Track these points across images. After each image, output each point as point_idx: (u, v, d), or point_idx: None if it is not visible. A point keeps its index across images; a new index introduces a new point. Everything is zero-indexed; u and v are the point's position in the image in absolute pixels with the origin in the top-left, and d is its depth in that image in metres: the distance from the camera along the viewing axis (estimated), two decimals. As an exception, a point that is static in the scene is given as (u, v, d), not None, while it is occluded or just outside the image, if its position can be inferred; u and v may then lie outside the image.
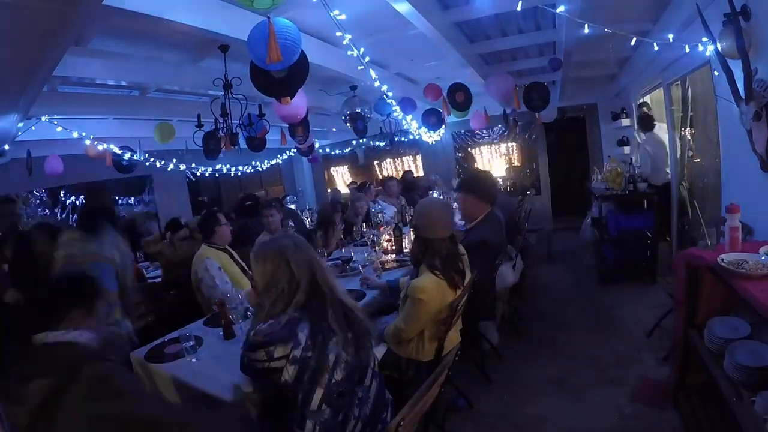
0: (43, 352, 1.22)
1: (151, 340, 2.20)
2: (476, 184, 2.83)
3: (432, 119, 5.65)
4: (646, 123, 4.87)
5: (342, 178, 10.15)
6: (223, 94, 3.26)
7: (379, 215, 4.33)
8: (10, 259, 3.01)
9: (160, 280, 3.98)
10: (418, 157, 9.08)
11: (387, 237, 3.70)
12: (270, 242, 1.56)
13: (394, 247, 3.52)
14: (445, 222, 2.04)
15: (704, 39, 2.54)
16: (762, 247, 1.77)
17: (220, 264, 2.84)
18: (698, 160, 4.20)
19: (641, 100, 5.63)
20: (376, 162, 9.68)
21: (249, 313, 2.36)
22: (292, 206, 7.28)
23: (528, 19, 3.67)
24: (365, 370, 1.47)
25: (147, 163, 5.39)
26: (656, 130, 4.88)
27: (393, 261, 3.27)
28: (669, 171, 4.70)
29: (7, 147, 4.02)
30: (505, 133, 7.69)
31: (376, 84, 3.61)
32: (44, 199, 6.06)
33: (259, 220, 4.47)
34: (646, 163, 4.72)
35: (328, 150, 9.52)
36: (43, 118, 3.96)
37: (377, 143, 8.20)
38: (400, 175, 9.12)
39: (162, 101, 4.65)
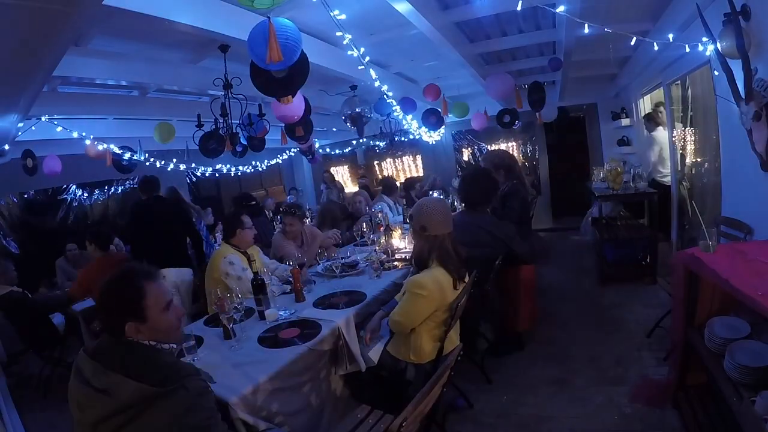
0: (138, 351, 1.23)
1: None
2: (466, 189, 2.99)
3: (432, 119, 5.65)
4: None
5: (342, 178, 10.16)
6: (223, 94, 3.26)
7: (380, 215, 4.33)
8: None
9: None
10: (418, 157, 9.08)
11: (387, 237, 3.70)
12: None
13: (394, 248, 3.52)
14: (446, 218, 2.09)
15: (704, 39, 2.53)
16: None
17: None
18: (698, 159, 4.20)
19: (642, 104, 5.64)
20: (376, 162, 9.69)
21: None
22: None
23: (528, 19, 3.67)
24: None
25: (147, 163, 5.38)
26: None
27: (392, 261, 3.27)
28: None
29: (7, 147, 4.02)
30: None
31: (376, 84, 3.61)
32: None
33: (263, 219, 4.46)
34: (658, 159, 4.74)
35: (328, 150, 9.52)
36: (43, 118, 3.96)
37: (377, 143, 8.20)
38: (400, 175, 9.15)
39: (162, 101, 4.65)
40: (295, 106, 3.21)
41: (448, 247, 2.05)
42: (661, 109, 5.04)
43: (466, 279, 2.15)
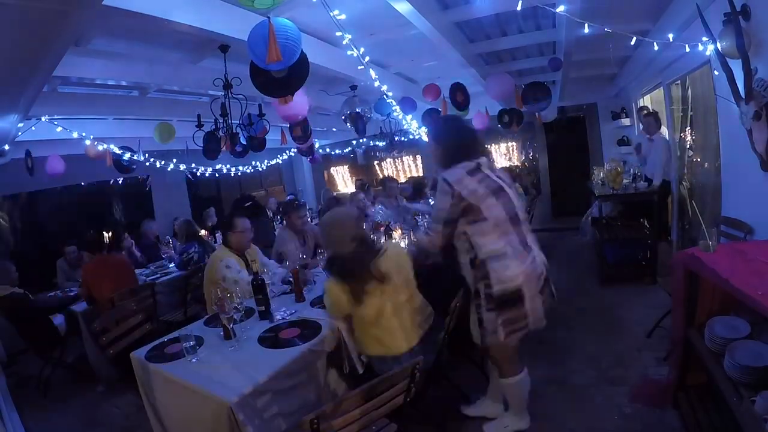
0: None
1: (151, 340, 2.20)
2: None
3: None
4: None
5: (342, 178, 10.17)
6: (223, 94, 3.26)
7: (380, 215, 4.33)
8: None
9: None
10: (418, 157, 9.09)
11: (387, 237, 3.70)
12: None
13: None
14: (339, 239, 2.05)
15: (704, 39, 2.54)
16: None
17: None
18: (698, 159, 4.20)
19: (641, 104, 5.63)
20: (376, 162, 9.69)
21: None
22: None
23: (528, 19, 3.67)
24: None
25: (147, 164, 5.39)
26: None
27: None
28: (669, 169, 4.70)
29: (7, 147, 4.02)
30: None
31: (376, 84, 3.61)
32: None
33: (263, 220, 4.45)
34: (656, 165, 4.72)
35: (328, 150, 9.53)
36: (43, 118, 3.96)
37: (377, 143, 8.21)
38: (400, 175, 9.15)
39: (162, 101, 4.65)
40: (297, 105, 3.21)
41: (347, 263, 2.01)
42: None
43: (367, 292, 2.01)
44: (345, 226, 2.08)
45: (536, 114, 6.10)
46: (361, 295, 1.98)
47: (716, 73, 2.73)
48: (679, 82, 4.28)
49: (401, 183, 7.22)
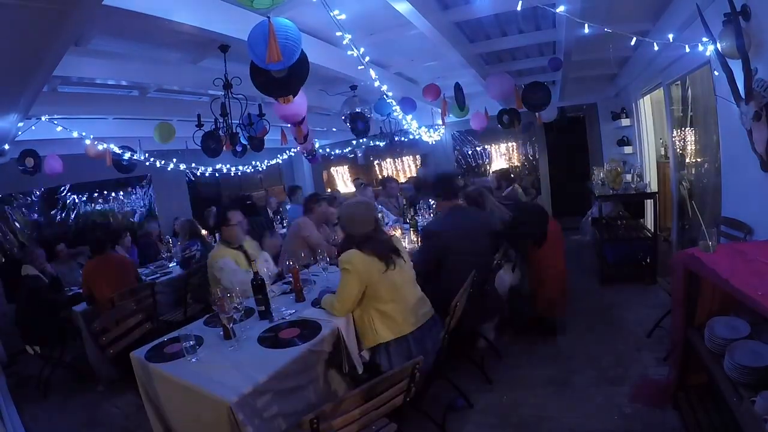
0: None
1: (151, 340, 2.20)
2: (435, 186, 3.13)
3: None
4: None
5: (342, 178, 10.16)
6: (223, 94, 3.26)
7: (380, 215, 4.33)
8: None
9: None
10: (418, 157, 9.09)
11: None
12: None
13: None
14: (364, 219, 2.26)
15: (704, 39, 2.53)
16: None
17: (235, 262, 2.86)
18: (698, 159, 4.20)
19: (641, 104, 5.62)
20: (376, 162, 9.69)
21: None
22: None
23: (528, 19, 3.66)
24: None
25: (147, 163, 5.39)
26: None
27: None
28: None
29: (7, 147, 4.02)
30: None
31: (376, 84, 3.61)
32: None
33: (261, 220, 4.44)
34: None
35: (328, 150, 9.52)
36: (43, 118, 3.96)
37: (377, 143, 8.20)
38: (400, 175, 9.15)
39: (162, 101, 4.65)
40: (297, 105, 3.21)
41: (367, 242, 2.20)
42: None
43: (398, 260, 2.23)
44: (369, 209, 2.33)
45: (536, 114, 6.09)
46: (386, 258, 2.17)
47: (716, 73, 2.73)
48: (679, 82, 4.28)
49: (402, 183, 7.24)
